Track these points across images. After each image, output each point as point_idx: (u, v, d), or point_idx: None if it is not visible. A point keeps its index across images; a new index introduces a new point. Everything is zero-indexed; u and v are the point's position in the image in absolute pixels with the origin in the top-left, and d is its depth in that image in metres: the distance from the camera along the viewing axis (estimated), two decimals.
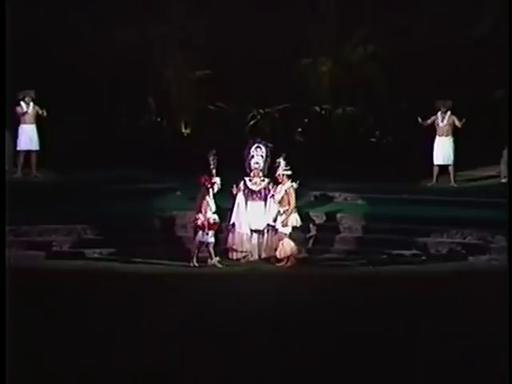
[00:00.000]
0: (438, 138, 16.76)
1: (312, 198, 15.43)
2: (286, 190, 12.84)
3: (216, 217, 12.60)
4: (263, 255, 13.15)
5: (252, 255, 13.15)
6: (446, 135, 16.64)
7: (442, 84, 18.15)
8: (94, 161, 17.17)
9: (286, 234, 12.71)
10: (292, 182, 12.89)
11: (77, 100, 19.08)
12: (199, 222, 12.45)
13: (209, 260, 12.51)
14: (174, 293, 10.27)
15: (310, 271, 12.36)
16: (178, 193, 15.72)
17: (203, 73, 20.54)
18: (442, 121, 16.67)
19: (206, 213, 12.47)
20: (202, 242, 12.49)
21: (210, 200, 12.58)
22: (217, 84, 19.72)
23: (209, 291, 10.54)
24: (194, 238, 12.59)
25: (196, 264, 12.39)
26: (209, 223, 12.44)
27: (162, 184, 16.05)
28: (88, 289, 10.31)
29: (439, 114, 16.67)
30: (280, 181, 12.96)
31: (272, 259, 12.90)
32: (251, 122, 20.45)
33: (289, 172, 12.93)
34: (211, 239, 12.50)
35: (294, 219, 12.78)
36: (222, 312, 9.18)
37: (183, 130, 20.80)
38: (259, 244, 13.17)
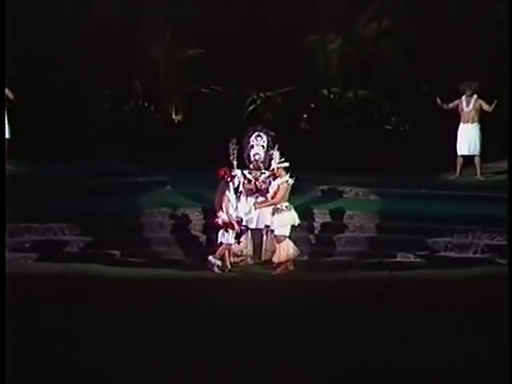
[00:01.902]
0: (462, 124, 16.69)
1: (319, 193, 15.41)
2: (278, 185, 12.68)
3: (239, 214, 12.58)
4: (263, 258, 13.09)
5: (251, 258, 13.10)
6: (472, 122, 16.57)
7: (467, 63, 18.09)
8: (73, 151, 17.12)
9: (284, 237, 12.62)
10: (290, 176, 12.69)
11: (53, 82, 19.05)
12: (220, 221, 12.41)
13: (210, 256, 12.43)
14: (162, 298, 10.25)
15: (316, 276, 12.31)
16: (168, 187, 15.69)
17: (196, 51, 20.52)
18: (468, 105, 16.58)
19: (227, 210, 12.43)
20: (222, 243, 12.44)
21: (230, 195, 12.55)
22: (211, 64, 19.69)
23: (200, 297, 10.50)
24: (217, 239, 12.55)
25: (218, 267, 12.36)
26: (231, 222, 12.40)
27: (149, 177, 16.02)
28: (67, 295, 10.28)
29: (464, 97, 16.59)
30: (277, 175, 12.80)
31: (270, 264, 12.83)
32: (250, 108, 20.44)
33: (285, 164, 12.79)
34: (232, 240, 12.48)
35: (291, 218, 12.67)
36: (212, 321, 9.16)
37: (174, 117, 20.79)
38: (259, 246, 13.10)
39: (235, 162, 12.79)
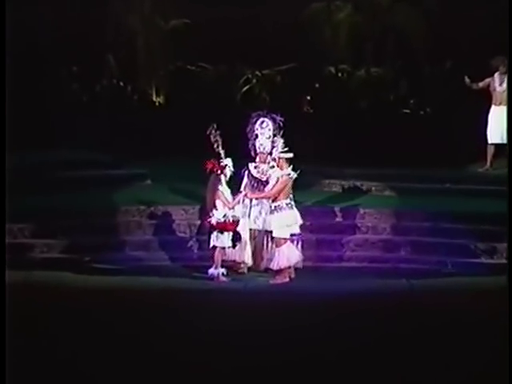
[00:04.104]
0: (493, 107, 16.77)
1: (324, 189, 15.50)
2: (277, 178, 12.66)
3: (235, 213, 12.58)
4: (262, 267, 13.06)
5: (249, 265, 13.08)
6: (505, 104, 16.64)
7: (500, 35, 18.06)
8: (35, 140, 17.14)
9: (285, 239, 12.65)
10: (293, 169, 12.65)
11: (10, 57, 19.03)
12: (214, 221, 12.43)
13: (212, 269, 12.49)
14: (141, 310, 10.31)
15: (320, 285, 12.36)
16: (148, 181, 15.76)
17: (180, 22, 20.55)
18: (501, 84, 16.64)
19: (223, 207, 12.45)
20: (216, 247, 12.46)
21: (224, 190, 12.57)
22: (198, 37, 19.72)
23: (186, 310, 10.57)
24: (209, 241, 12.61)
25: (223, 275, 12.43)
26: (226, 221, 12.44)
27: (126, 170, 16.10)
28: (29, 308, 10.33)
29: (496, 75, 16.67)
30: (279, 166, 12.75)
31: (269, 271, 12.86)
32: (244, 88, 20.47)
33: (289, 155, 12.78)
34: (229, 242, 12.49)
35: (293, 217, 12.67)
36: (199, 336, 9.23)
37: (154, 98, 20.81)
38: (258, 252, 13.05)
39: (222, 151, 12.60)
